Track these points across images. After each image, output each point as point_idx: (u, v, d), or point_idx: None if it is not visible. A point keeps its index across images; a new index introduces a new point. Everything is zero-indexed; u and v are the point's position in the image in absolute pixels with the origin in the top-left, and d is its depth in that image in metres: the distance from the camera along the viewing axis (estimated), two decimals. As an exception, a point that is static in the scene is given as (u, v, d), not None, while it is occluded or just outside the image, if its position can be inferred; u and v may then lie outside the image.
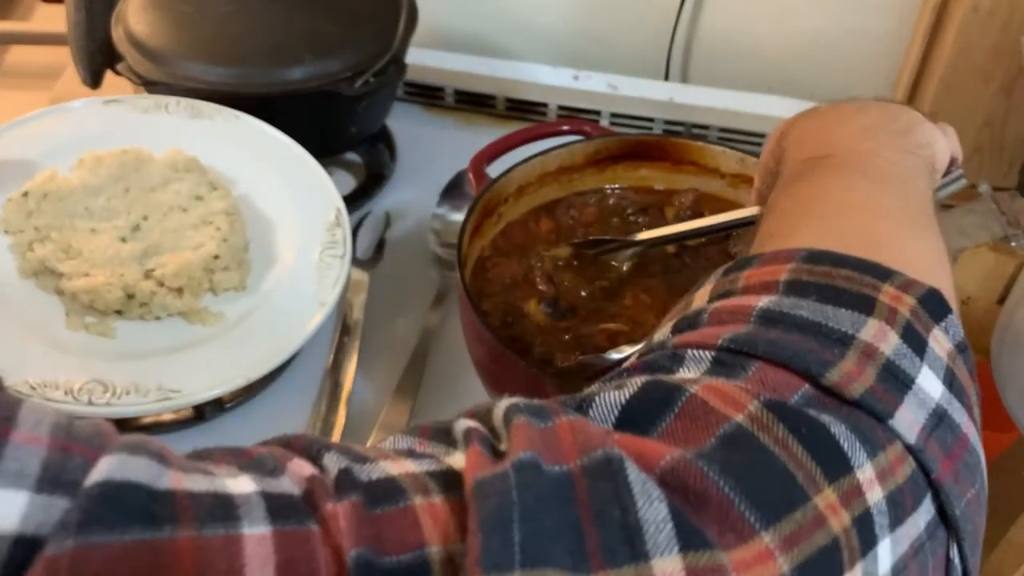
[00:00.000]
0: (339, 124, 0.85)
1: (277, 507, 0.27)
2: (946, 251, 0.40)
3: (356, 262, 0.80)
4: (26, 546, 0.24)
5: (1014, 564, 0.59)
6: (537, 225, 0.72)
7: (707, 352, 0.32)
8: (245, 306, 0.68)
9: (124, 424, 0.69)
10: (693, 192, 0.73)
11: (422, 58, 0.95)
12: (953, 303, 0.37)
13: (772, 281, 0.34)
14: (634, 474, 0.27)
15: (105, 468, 0.26)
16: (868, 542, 0.29)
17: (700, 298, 0.37)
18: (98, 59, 0.83)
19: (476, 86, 0.97)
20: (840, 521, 0.28)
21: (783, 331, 0.32)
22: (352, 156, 0.92)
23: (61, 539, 0.24)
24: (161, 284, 0.66)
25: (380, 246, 0.83)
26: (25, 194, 0.69)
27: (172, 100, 0.79)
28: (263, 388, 0.72)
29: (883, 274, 0.34)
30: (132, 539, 0.24)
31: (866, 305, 0.33)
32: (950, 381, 0.33)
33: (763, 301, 0.33)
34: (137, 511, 0.25)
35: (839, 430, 0.29)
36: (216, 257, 0.67)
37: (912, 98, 0.93)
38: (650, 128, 0.96)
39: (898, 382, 0.31)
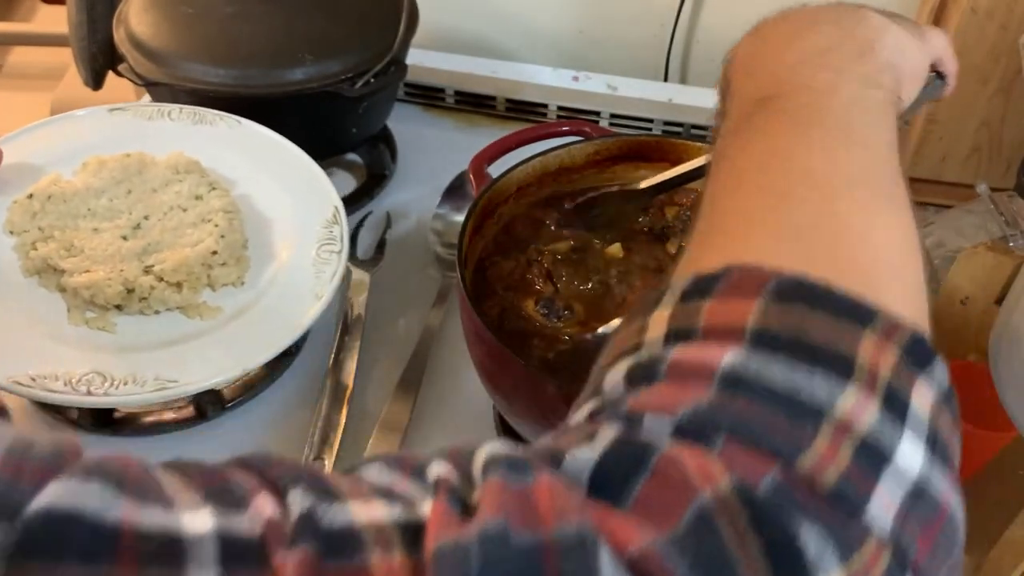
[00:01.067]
0: (340, 125, 0.85)
1: (231, 552, 0.26)
2: (914, 220, 0.37)
3: (357, 262, 0.80)
4: None
5: (1012, 562, 0.60)
6: (541, 216, 0.72)
7: (667, 419, 0.30)
8: (243, 301, 0.69)
9: (127, 423, 0.69)
10: (693, 192, 0.73)
11: (423, 59, 0.95)
12: (923, 287, 0.34)
13: (738, 326, 0.31)
14: (606, 559, 0.26)
15: (52, 494, 0.25)
16: None
17: (655, 327, 0.33)
18: (100, 60, 0.84)
19: (476, 87, 0.97)
20: None
21: (749, 402, 0.29)
22: (353, 157, 0.92)
23: None
24: (160, 279, 0.67)
25: (381, 246, 0.83)
26: (30, 196, 0.70)
27: (175, 107, 0.80)
28: (265, 387, 0.72)
29: (865, 317, 0.31)
30: (66, 573, 0.24)
31: (844, 367, 0.30)
32: (933, 441, 0.30)
33: (728, 356, 0.30)
34: (75, 545, 0.24)
35: (808, 535, 0.27)
36: (214, 253, 0.68)
37: (911, 99, 0.93)
38: (649, 129, 0.96)
39: (876, 459, 0.29)
